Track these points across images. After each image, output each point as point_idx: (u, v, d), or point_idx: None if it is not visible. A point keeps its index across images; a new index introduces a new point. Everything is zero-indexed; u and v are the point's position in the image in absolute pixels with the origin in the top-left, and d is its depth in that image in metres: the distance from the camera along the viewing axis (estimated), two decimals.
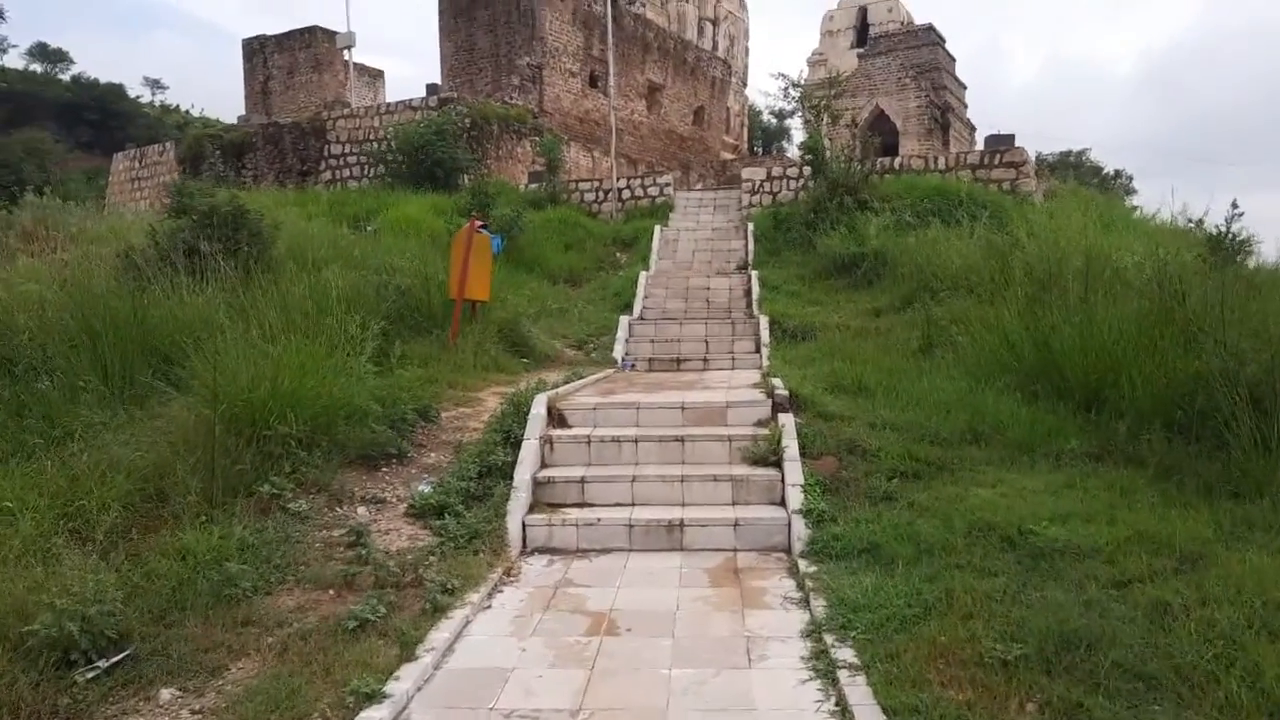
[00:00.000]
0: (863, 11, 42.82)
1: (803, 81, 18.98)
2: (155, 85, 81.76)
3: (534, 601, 4.75)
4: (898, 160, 18.74)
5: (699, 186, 28.41)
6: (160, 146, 30.05)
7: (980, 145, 23.39)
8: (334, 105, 26.64)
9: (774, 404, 6.72)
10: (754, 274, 14.39)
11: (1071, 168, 39.66)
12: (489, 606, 4.69)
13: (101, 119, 66.42)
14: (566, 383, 8.26)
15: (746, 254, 16.11)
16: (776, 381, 7.37)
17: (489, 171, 23.27)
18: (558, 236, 17.32)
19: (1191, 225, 12.98)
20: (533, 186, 21.33)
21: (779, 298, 13.31)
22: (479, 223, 9.45)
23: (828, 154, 16.81)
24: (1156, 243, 11.90)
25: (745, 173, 19.96)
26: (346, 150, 24.64)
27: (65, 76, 74.09)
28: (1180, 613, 3.68)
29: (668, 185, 20.41)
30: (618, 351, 10.99)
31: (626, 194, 20.58)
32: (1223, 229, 12.77)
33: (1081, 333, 6.59)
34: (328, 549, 5.16)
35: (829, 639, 3.98)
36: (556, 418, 6.76)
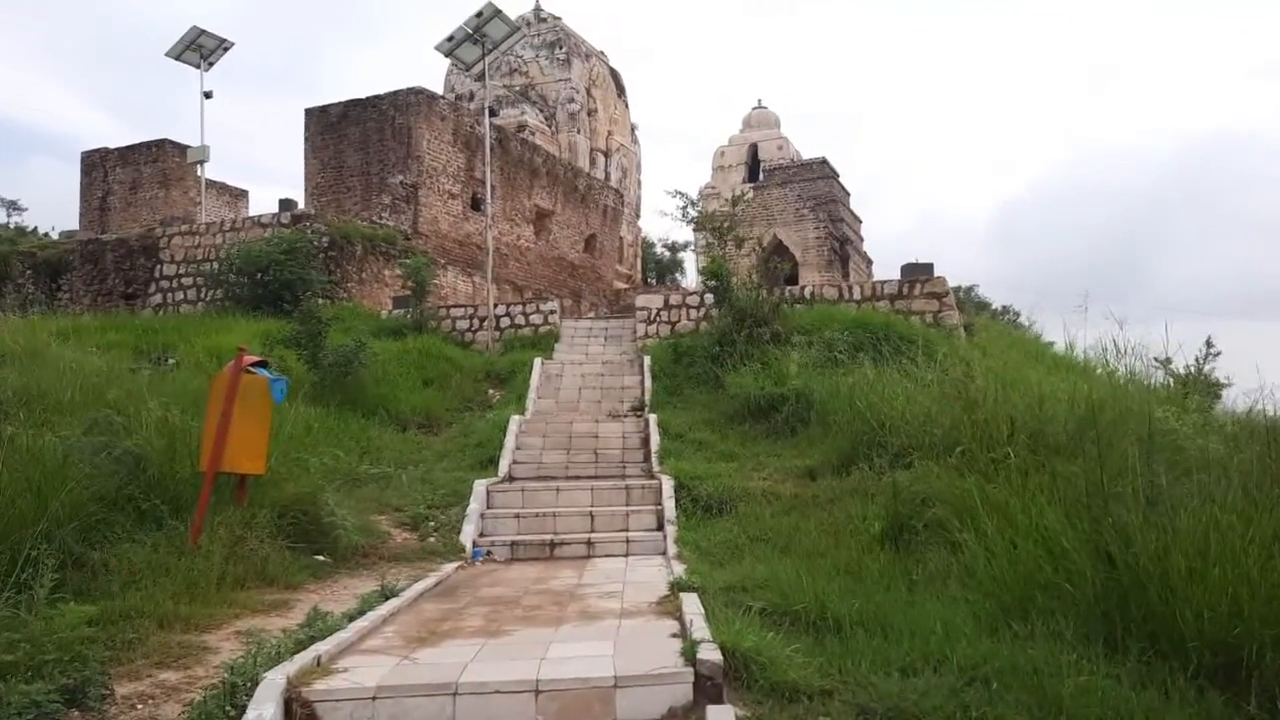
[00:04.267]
0: (753, 148, 42.98)
1: (699, 206, 17.22)
2: (12, 206, 75.93)
3: None
4: (808, 289, 16.87)
5: (590, 315, 26.15)
6: None
7: (880, 275, 22.10)
8: (170, 221, 23.35)
9: (698, 678, 3.84)
10: (652, 418, 11.74)
11: (962, 302, 39.66)
12: None
13: None
14: (361, 613, 5.16)
15: (643, 393, 13.52)
16: (696, 624, 4.48)
17: (349, 296, 20.36)
18: (416, 370, 14.35)
19: (1158, 366, 11.26)
20: (397, 312, 18.49)
21: (684, 449, 10.63)
22: (250, 359, 6.46)
23: (733, 280, 14.70)
24: (1113, 385, 9.93)
25: (640, 300, 17.67)
26: (181, 271, 21.30)
27: None
28: None
29: (553, 313, 17.91)
30: (468, 533, 7.91)
31: (505, 321, 17.95)
32: (1194, 371, 11.09)
33: (1185, 548, 4.06)
34: None
35: None
36: None
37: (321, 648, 4.21)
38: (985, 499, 5.57)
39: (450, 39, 18.08)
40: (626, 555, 7.82)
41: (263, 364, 6.57)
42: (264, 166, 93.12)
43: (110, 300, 21.81)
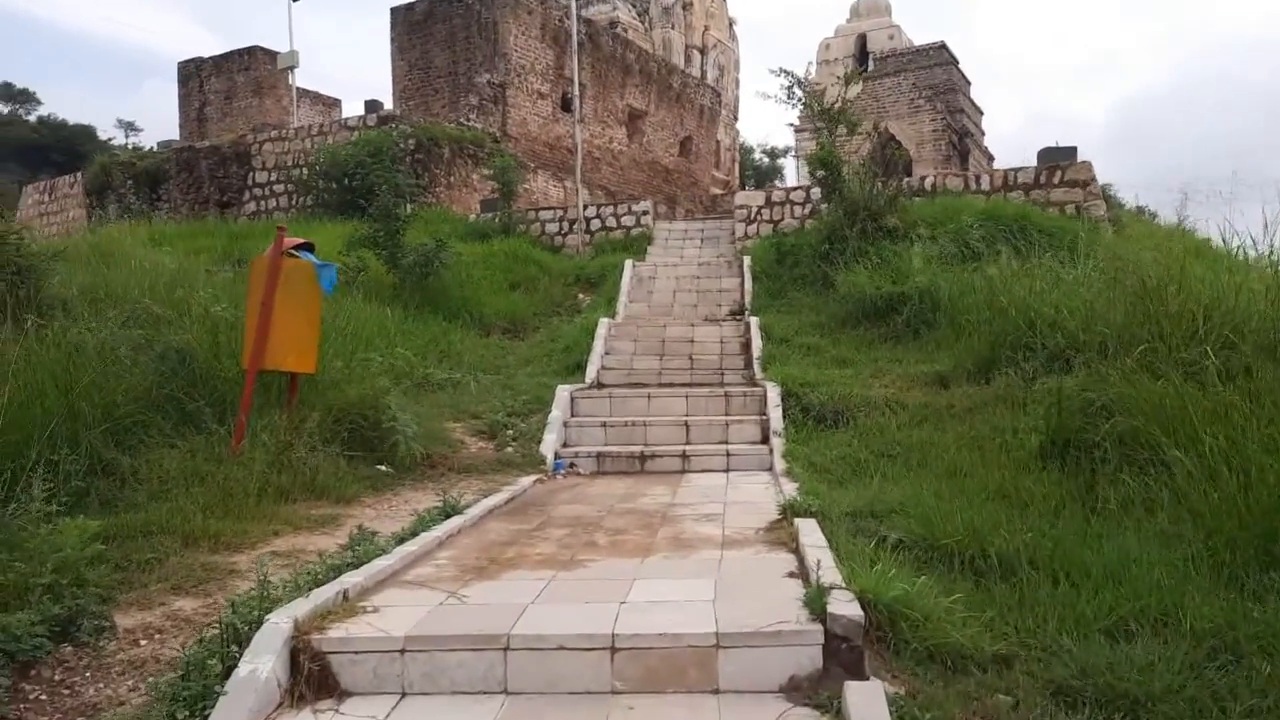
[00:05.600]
0: (862, 39, 39.78)
1: (807, 87, 15.45)
2: (129, 127, 78.59)
3: None
4: (928, 180, 15.12)
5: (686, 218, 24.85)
6: (71, 178, 26.53)
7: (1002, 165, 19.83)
8: (261, 128, 23.03)
9: (829, 639, 2.84)
10: (753, 321, 10.62)
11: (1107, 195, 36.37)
12: None
13: (68, 160, 63.24)
14: (413, 533, 4.36)
15: (743, 295, 12.37)
16: (823, 563, 3.43)
17: (437, 200, 19.67)
18: (502, 274, 13.56)
19: None
20: (486, 216, 17.68)
21: (791, 355, 9.50)
22: (292, 241, 5.62)
23: (845, 169, 13.15)
24: None
25: (740, 198, 16.30)
26: (273, 178, 21.04)
27: (32, 118, 71.20)
28: None
29: (645, 214, 16.73)
30: (549, 443, 7.07)
31: (596, 224, 16.89)
32: None
33: None
34: None
35: None
36: (314, 678, 2.84)
37: (351, 579, 3.40)
38: (1202, 407, 4.28)
39: None
40: (727, 470, 6.85)
41: (307, 247, 5.73)
42: (360, 81, 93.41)
43: (206, 208, 21.80)
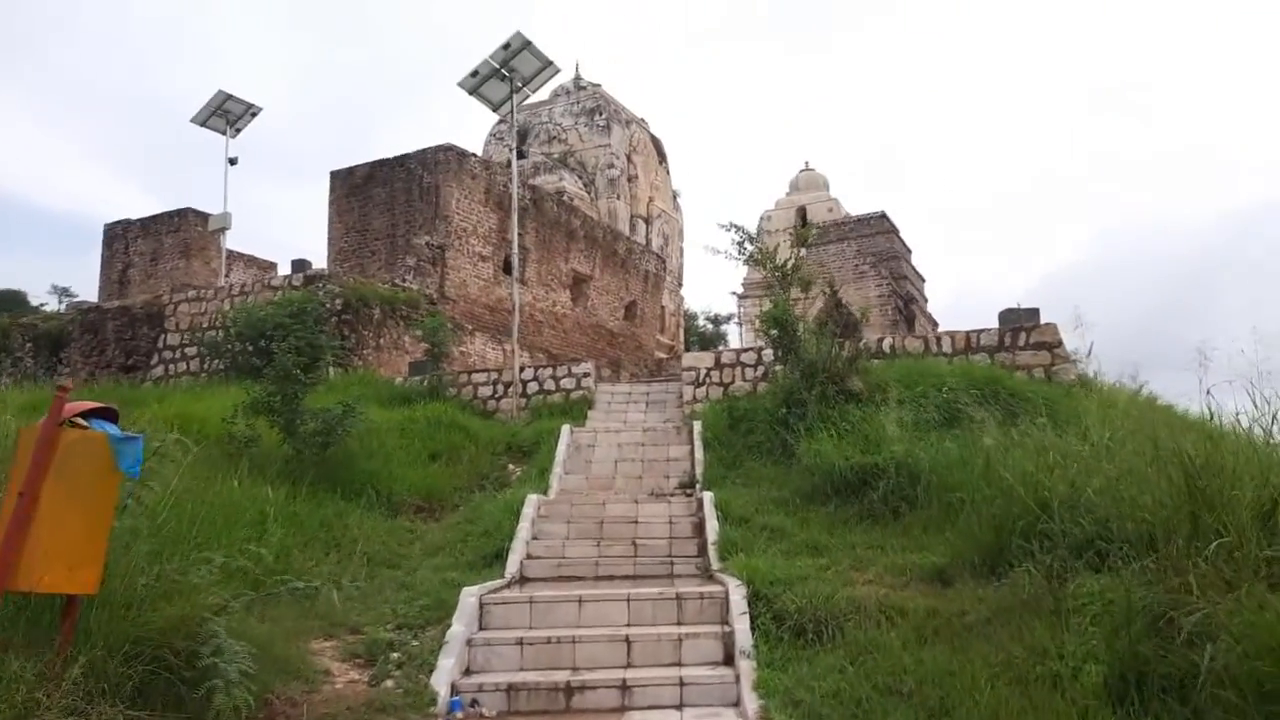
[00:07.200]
0: (802, 211, 40.93)
1: (758, 243, 14.88)
2: (64, 293, 76.92)
3: None
4: (886, 342, 14.28)
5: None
6: None
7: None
8: (180, 288, 21.72)
9: None
10: (707, 496, 9.19)
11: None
12: None
13: None
14: None
15: (693, 465, 10.98)
16: None
17: (364, 364, 18.28)
18: (421, 442, 11.97)
19: None
20: (414, 379, 16.27)
21: (753, 539, 8.00)
22: (78, 406, 4.09)
23: (800, 327, 12.19)
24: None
25: (687, 359, 15.25)
26: (186, 340, 19.50)
27: None
28: None
29: (586, 376, 15.51)
30: (444, 672, 5.32)
31: (534, 387, 15.57)
32: None
33: None
34: None
35: None
36: None
37: None
38: None
39: (475, 74, 16.23)
40: (680, 707, 5.16)
41: (106, 414, 4.19)
42: (299, 245, 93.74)
43: (109, 372, 20.04)
